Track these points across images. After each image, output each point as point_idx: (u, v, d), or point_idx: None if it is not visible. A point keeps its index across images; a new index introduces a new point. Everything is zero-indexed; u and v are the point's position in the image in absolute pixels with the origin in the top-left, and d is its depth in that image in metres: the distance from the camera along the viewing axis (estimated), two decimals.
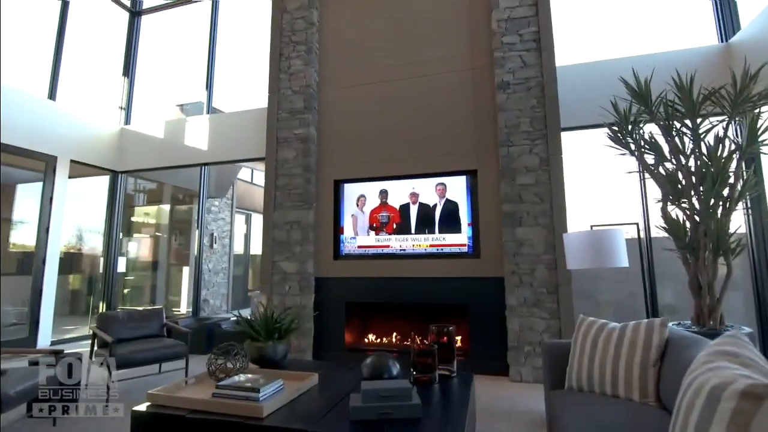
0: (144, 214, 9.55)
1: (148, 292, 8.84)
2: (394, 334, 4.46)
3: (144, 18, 6.71)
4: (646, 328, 2.01)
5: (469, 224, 4.16)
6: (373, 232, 4.46)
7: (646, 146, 3.24)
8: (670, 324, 3.21)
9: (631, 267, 4.20)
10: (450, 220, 4.22)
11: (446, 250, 4.20)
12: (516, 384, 3.61)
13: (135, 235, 9.25)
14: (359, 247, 4.49)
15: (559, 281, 3.67)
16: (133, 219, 9.28)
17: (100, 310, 6.11)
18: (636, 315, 4.28)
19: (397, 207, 4.41)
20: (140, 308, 6.68)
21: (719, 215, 2.98)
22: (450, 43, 4.41)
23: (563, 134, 3.90)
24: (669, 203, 3.17)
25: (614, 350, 2.03)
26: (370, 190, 4.53)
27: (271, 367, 2.53)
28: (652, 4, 4.68)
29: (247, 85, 6.66)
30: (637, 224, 3.17)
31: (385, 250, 4.39)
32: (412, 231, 4.33)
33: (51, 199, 5.29)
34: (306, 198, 4.55)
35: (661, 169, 3.19)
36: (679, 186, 3.10)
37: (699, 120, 3.09)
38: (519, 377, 3.66)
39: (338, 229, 4.58)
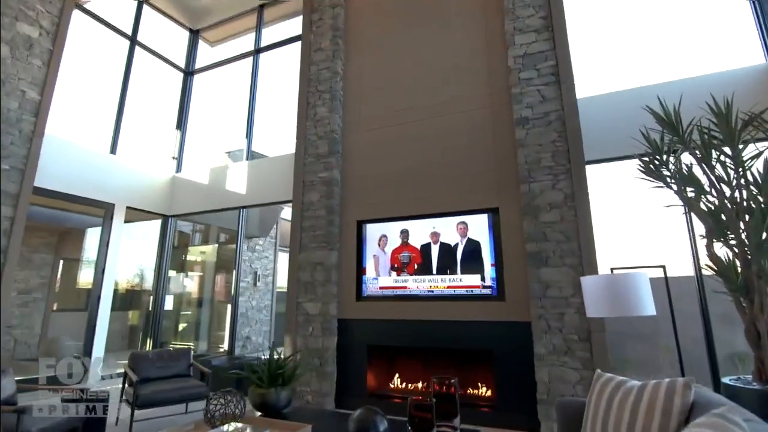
0: (200, 252, 10.19)
1: (200, 328, 9.24)
2: (420, 381, 4.26)
3: (196, 76, 7.46)
4: (666, 389, 1.74)
5: (492, 264, 3.96)
6: (394, 273, 4.39)
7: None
8: (726, 379, 2.82)
9: (693, 310, 3.76)
10: (472, 260, 4.05)
11: (470, 291, 4.01)
12: None
13: (189, 273, 9.85)
14: (381, 288, 4.42)
15: (592, 328, 3.34)
16: (188, 258, 9.93)
17: (148, 346, 6.47)
18: (696, 364, 3.78)
19: (419, 247, 4.33)
20: (171, 347, 6.98)
21: None
22: (468, 83, 4.43)
23: (587, 168, 3.68)
24: (714, 240, 2.83)
25: (630, 414, 1.77)
26: (392, 230, 4.50)
27: (273, 415, 2.50)
28: (677, 30, 4.39)
29: (284, 132, 7.09)
30: (664, 267, 2.83)
31: (407, 292, 4.28)
32: (434, 271, 4.20)
33: (108, 242, 5.83)
34: (329, 239, 4.61)
35: (701, 204, 2.89)
36: (722, 218, 2.77)
37: (741, 146, 2.79)
38: None
39: (361, 270, 4.56)
